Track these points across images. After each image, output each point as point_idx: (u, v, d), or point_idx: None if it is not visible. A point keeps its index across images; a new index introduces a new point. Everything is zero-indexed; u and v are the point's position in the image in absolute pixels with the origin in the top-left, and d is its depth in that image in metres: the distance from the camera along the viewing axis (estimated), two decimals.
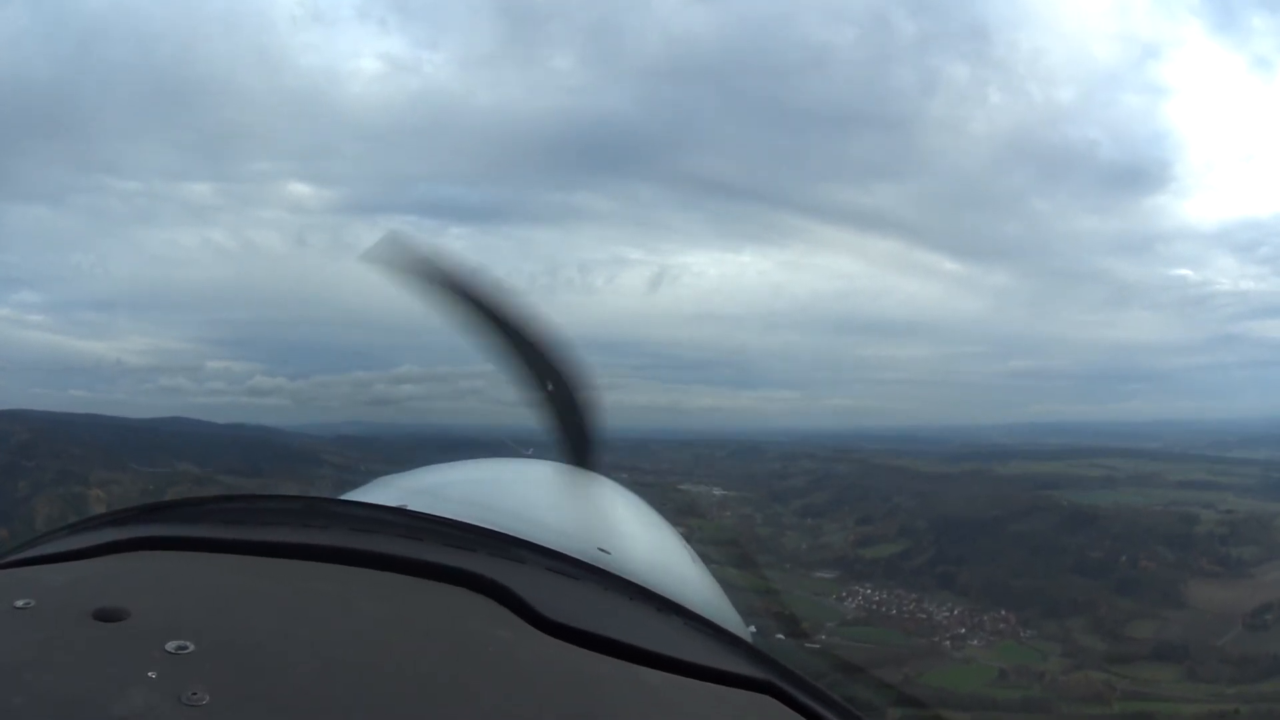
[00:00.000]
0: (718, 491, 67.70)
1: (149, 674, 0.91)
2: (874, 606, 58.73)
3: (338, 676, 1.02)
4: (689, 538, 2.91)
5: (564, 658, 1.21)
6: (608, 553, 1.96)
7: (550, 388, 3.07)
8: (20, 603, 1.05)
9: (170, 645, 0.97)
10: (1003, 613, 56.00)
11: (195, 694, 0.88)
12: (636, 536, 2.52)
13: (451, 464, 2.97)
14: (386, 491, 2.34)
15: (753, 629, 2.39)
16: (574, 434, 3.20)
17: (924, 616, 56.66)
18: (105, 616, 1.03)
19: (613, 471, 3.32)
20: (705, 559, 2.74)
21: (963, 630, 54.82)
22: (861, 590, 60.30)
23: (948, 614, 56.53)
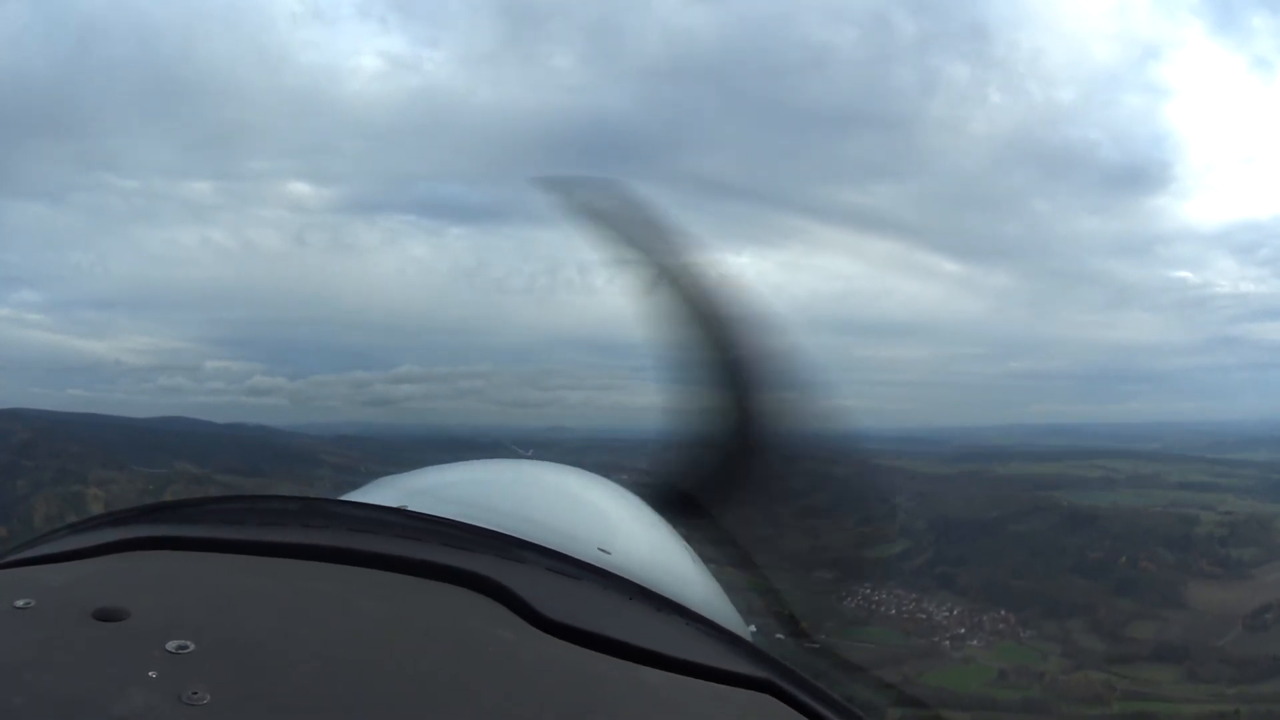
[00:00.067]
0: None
1: (149, 674, 0.91)
2: (873, 606, 58.72)
3: (338, 676, 1.01)
4: (689, 538, 2.90)
5: (564, 657, 1.21)
6: (608, 553, 1.96)
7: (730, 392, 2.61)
8: (20, 603, 1.05)
9: (170, 645, 0.97)
10: (1002, 613, 56.01)
11: (195, 694, 0.88)
12: (636, 536, 2.52)
13: (451, 464, 2.97)
14: (386, 491, 2.33)
15: (753, 629, 2.39)
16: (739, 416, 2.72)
17: (923, 617, 56.64)
18: (105, 616, 1.03)
19: (613, 472, 3.32)
20: (705, 559, 2.74)
21: (962, 630, 54.82)
22: (861, 590, 60.28)
23: (947, 614, 56.53)
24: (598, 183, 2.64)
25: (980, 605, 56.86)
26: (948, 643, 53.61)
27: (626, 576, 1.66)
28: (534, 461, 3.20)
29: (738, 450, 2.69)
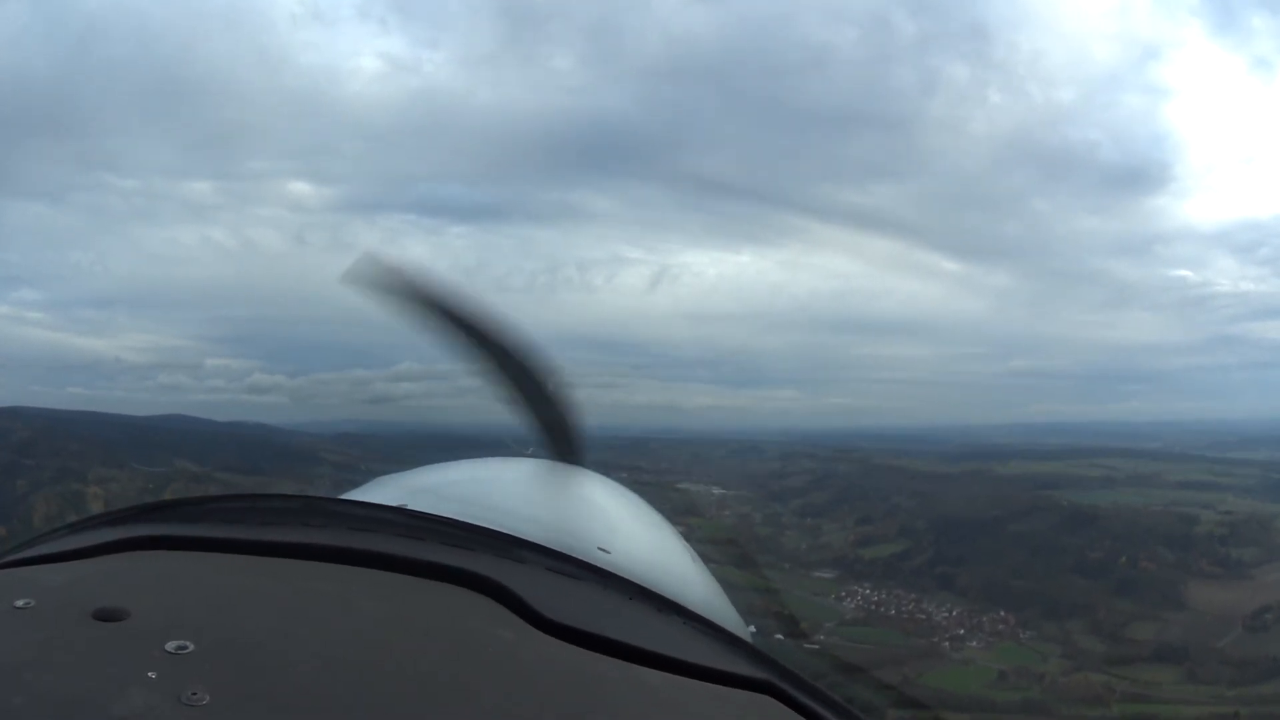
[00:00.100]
0: (717, 491, 67.63)
1: (149, 674, 0.91)
2: (873, 607, 58.70)
3: (338, 676, 1.01)
4: (688, 537, 2.91)
5: (564, 658, 1.21)
6: (608, 552, 1.96)
7: (524, 388, 3.10)
8: (20, 603, 1.05)
9: (170, 645, 0.97)
10: (1002, 613, 55.96)
11: (195, 694, 0.88)
12: (636, 536, 2.52)
13: (451, 463, 2.97)
14: (386, 491, 2.33)
15: (753, 629, 2.39)
16: (554, 431, 3.25)
17: (923, 617, 56.63)
18: (105, 616, 1.02)
19: (612, 471, 3.32)
20: (705, 559, 2.74)
21: (962, 631, 54.78)
22: (860, 590, 60.26)
23: (947, 614, 56.49)
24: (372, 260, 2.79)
25: (980, 606, 56.83)
26: (947, 643, 53.59)
27: (626, 576, 1.66)
28: (534, 461, 3.20)
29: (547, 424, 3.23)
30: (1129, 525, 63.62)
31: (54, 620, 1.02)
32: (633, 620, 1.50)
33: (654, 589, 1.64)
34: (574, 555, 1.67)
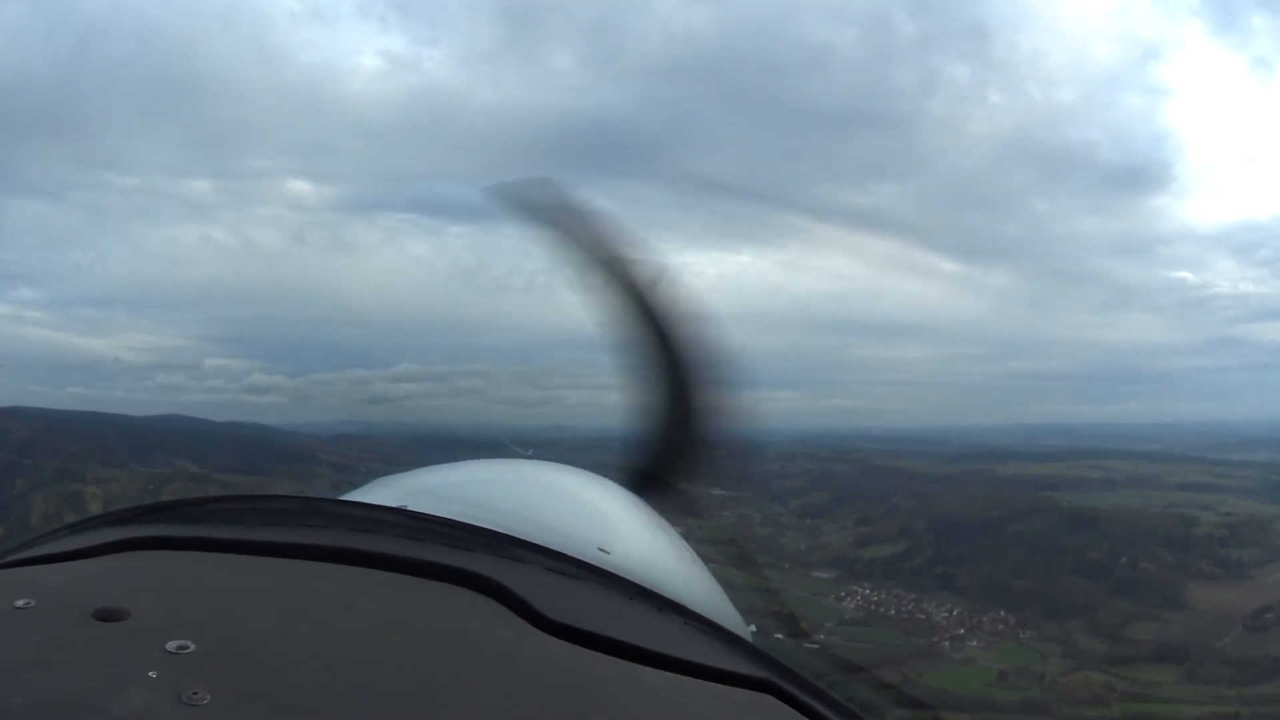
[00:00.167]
0: (716, 491, 67.55)
1: (149, 674, 0.91)
2: (873, 606, 58.73)
3: (338, 676, 1.01)
4: (688, 537, 2.90)
5: (564, 657, 1.21)
6: (608, 553, 1.96)
7: (669, 392, 2.72)
8: (20, 603, 1.05)
9: (170, 645, 0.97)
10: (1002, 614, 56.01)
11: (195, 694, 0.88)
12: (636, 536, 2.52)
13: (451, 464, 2.97)
14: (386, 491, 2.33)
15: (753, 629, 2.39)
16: (674, 448, 2.88)
17: (923, 617, 56.67)
18: (105, 616, 1.02)
19: (612, 471, 3.31)
20: (705, 559, 2.74)
21: (962, 631, 54.82)
22: (860, 590, 60.30)
23: (947, 614, 56.54)
24: (541, 183, 2.66)
25: (980, 606, 56.86)
26: (947, 643, 53.62)
27: (626, 576, 1.65)
28: (534, 461, 3.20)
29: (680, 439, 2.78)
30: (1129, 526, 63.66)
31: (54, 620, 1.02)
32: (633, 620, 1.50)
33: (654, 589, 1.64)
34: (574, 556, 1.67)
